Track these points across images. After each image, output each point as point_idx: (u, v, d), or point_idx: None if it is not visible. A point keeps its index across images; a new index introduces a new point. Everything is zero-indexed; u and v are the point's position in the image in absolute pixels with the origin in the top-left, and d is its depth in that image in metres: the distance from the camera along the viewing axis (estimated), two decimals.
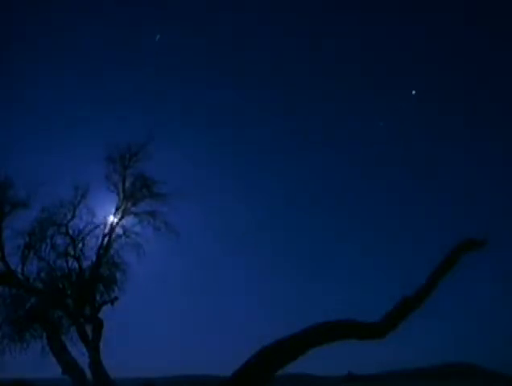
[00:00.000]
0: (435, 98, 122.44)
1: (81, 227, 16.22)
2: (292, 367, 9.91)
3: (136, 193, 16.54)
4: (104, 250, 16.08)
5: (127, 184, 16.47)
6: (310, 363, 10.38)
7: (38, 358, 15.28)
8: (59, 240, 16.13)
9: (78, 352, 15.35)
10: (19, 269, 15.54)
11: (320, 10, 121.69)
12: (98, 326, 15.50)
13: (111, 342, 15.86)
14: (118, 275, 16.54)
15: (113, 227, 16.18)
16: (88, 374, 14.97)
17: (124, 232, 16.38)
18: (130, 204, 16.45)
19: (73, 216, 16.16)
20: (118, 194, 16.38)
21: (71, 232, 16.16)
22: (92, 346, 15.17)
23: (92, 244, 16.20)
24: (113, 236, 16.22)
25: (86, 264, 16.17)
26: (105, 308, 16.21)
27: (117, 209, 16.32)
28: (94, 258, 16.05)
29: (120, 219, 16.32)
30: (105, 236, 16.14)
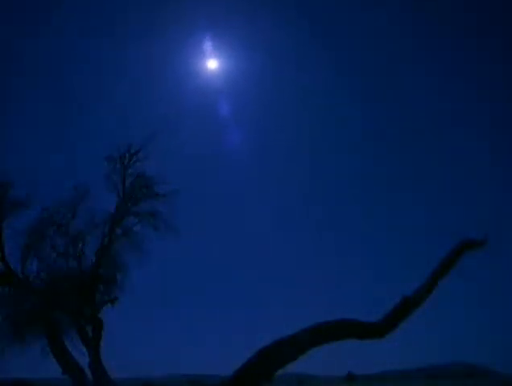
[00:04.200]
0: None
1: (81, 227, 16.24)
2: (292, 367, 9.90)
3: (136, 193, 16.53)
4: (104, 250, 16.06)
5: (127, 184, 16.46)
6: (310, 363, 10.38)
7: (38, 358, 15.31)
8: (59, 240, 16.14)
9: (78, 352, 15.37)
10: (19, 269, 15.55)
11: None
12: (98, 326, 15.49)
13: (111, 342, 15.88)
14: (118, 275, 16.55)
15: (113, 227, 16.15)
16: (89, 374, 14.98)
17: (124, 232, 16.37)
18: (130, 204, 16.44)
19: (73, 216, 16.16)
20: (118, 194, 16.37)
21: (71, 232, 16.16)
22: (92, 347, 15.16)
23: (92, 244, 16.22)
24: (113, 236, 16.21)
25: (86, 264, 16.17)
26: (105, 308, 16.23)
27: (117, 209, 16.30)
28: (94, 258, 16.04)
29: (120, 219, 16.30)
30: (105, 236, 16.13)
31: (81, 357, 15.24)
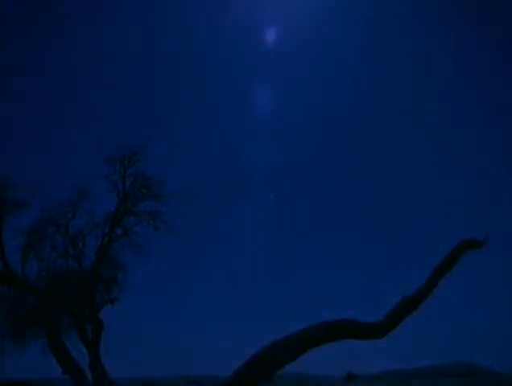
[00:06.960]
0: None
1: (81, 227, 16.26)
2: (292, 367, 9.90)
3: (136, 193, 16.55)
4: (104, 250, 16.07)
5: (127, 184, 16.48)
6: (310, 363, 10.38)
7: (38, 358, 15.34)
8: (59, 240, 16.17)
9: (78, 352, 15.39)
10: (19, 269, 15.56)
11: None
12: (98, 326, 15.51)
13: (111, 342, 15.88)
14: (118, 275, 16.58)
15: (113, 228, 16.17)
16: (89, 374, 14.99)
17: (124, 232, 16.39)
18: (129, 204, 16.46)
19: (73, 216, 16.19)
20: (118, 194, 16.38)
21: (71, 232, 16.18)
22: (93, 347, 15.18)
23: (92, 244, 16.24)
24: (113, 236, 16.22)
25: (86, 264, 16.19)
26: (105, 308, 16.24)
27: (117, 209, 16.31)
28: (94, 258, 16.06)
29: (120, 219, 16.32)
30: (105, 236, 16.15)
31: (81, 357, 15.28)
